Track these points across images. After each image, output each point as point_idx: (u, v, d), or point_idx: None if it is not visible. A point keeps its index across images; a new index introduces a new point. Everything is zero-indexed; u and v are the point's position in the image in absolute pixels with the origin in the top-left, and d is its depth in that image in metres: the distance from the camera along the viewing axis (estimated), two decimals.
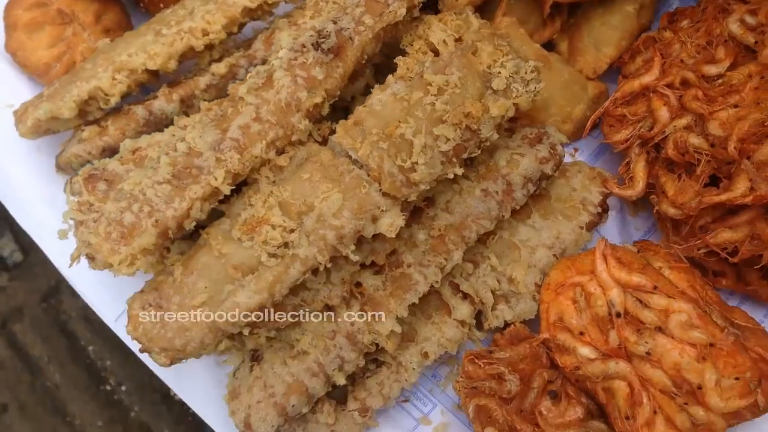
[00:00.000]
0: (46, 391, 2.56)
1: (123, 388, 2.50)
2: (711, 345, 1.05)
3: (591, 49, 1.37)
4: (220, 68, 1.26)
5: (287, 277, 1.01)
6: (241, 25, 1.29)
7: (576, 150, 1.39)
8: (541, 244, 1.21)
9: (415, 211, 1.17)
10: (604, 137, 1.29)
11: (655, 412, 1.07)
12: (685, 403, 1.05)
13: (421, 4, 1.15)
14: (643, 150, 1.24)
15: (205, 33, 1.24)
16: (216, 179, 1.00)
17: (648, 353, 1.08)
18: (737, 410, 1.04)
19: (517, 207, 1.19)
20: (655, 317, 1.08)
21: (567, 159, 1.38)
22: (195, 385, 1.22)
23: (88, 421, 2.52)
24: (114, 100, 1.23)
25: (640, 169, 1.23)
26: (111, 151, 1.23)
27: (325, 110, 1.09)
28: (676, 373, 1.06)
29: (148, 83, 1.27)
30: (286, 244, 1.01)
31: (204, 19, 1.24)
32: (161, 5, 1.43)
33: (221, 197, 1.03)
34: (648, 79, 1.25)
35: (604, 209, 1.25)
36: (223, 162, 1.01)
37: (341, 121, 1.05)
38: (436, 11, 1.33)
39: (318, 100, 1.05)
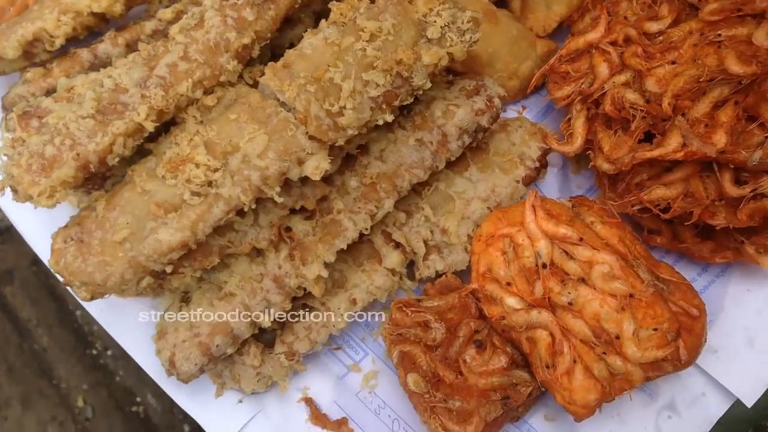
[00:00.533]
0: (34, 354, 2.59)
1: (109, 352, 2.53)
2: (631, 296, 1.06)
3: (542, 7, 1.36)
4: (166, 14, 1.26)
5: (210, 216, 1.02)
6: None
7: (524, 108, 1.39)
8: (477, 196, 1.21)
9: (349, 159, 1.18)
10: (549, 94, 1.29)
11: (575, 362, 1.08)
12: (604, 353, 1.06)
13: None
14: (584, 106, 1.24)
15: None
16: (139, 115, 1.00)
17: (570, 303, 1.08)
18: (655, 361, 1.05)
19: (452, 158, 1.19)
20: (579, 268, 1.09)
21: (514, 116, 1.38)
22: (129, 327, 1.24)
23: (73, 384, 2.55)
24: (59, 42, 1.23)
25: (579, 125, 1.23)
26: (54, 92, 1.24)
27: (256, 52, 1.09)
28: (596, 323, 1.06)
29: (96, 27, 1.28)
30: (209, 183, 1.02)
31: None
32: None
33: (146, 135, 1.04)
34: (593, 36, 1.25)
35: (543, 165, 1.25)
36: (147, 98, 1.01)
37: (270, 63, 1.06)
38: None
39: (247, 40, 1.06)
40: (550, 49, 1.35)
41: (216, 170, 1.02)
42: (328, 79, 1.04)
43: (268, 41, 1.11)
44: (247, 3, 1.07)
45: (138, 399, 2.43)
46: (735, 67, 1.09)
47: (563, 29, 1.37)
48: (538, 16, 1.36)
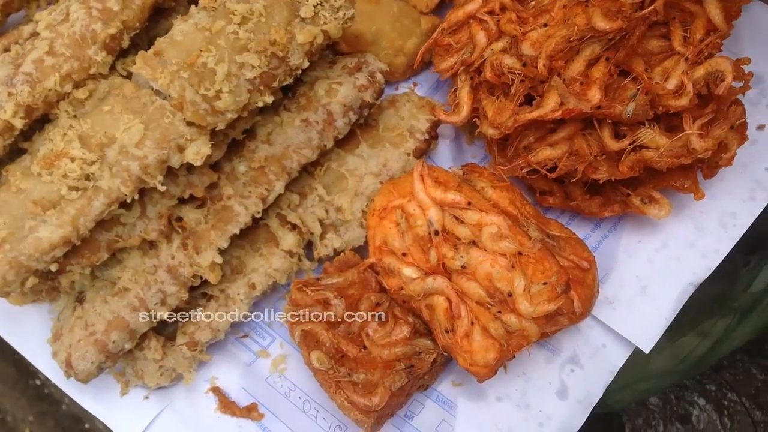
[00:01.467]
0: None
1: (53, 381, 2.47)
2: (519, 254, 1.07)
3: None
4: (42, 16, 1.23)
5: (91, 210, 1.01)
6: None
7: (415, 84, 1.40)
8: (369, 172, 1.22)
9: (236, 145, 1.18)
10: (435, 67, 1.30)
11: (472, 324, 1.09)
12: (499, 312, 1.07)
13: None
14: (467, 76, 1.26)
15: None
16: (5, 112, 0.99)
17: (464, 267, 1.09)
18: (549, 314, 1.07)
19: (340, 136, 1.20)
20: (470, 232, 1.10)
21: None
22: (28, 332, 1.21)
23: (19, 417, 2.48)
24: None
25: (464, 95, 1.25)
26: None
27: (126, 42, 1.09)
28: (489, 283, 1.08)
29: None
30: (87, 177, 1.00)
31: None
32: None
33: (17, 133, 1.02)
34: (471, 7, 1.27)
35: (433, 136, 1.27)
36: (14, 95, 1.00)
37: (140, 53, 1.05)
38: None
39: (113, 31, 1.05)
40: (434, 25, 1.37)
41: (92, 163, 1.01)
42: (201, 64, 1.04)
43: (137, 30, 1.10)
44: None
45: (86, 425, 2.37)
46: (602, 23, 1.11)
47: (447, 5, 1.39)
48: None
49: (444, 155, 1.33)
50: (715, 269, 1.20)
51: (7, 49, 1.24)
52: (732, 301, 1.45)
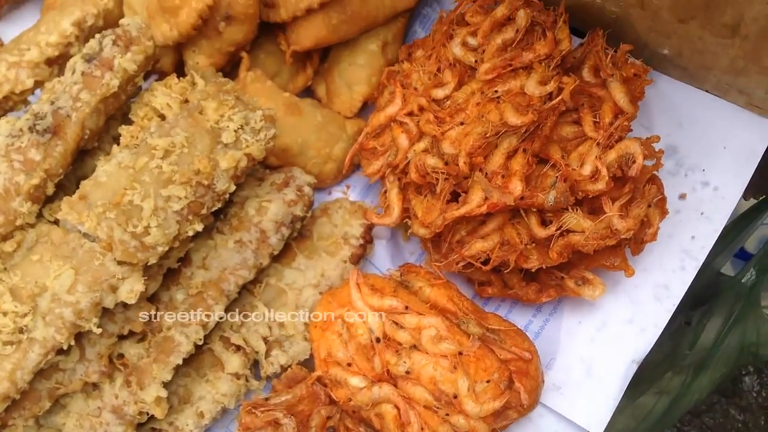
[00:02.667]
0: None
1: None
2: (460, 353, 1.08)
3: (345, 90, 1.42)
4: None
5: (27, 363, 1.01)
6: None
7: (348, 187, 1.43)
8: (308, 284, 1.23)
9: (172, 273, 1.18)
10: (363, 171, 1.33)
11: (422, 429, 1.09)
12: (447, 414, 1.08)
13: (138, 73, 1.17)
14: (395, 177, 1.29)
15: None
16: None
17: (408, 372, 1.10)
18: (496, 412, 1.08)
19: (275, 252, 1.21)
20: (409, 336, 1.12)
21: (340, 196, 1.42)
22: None
23: None
24: None
25: (393, 197, 1.28)
26: None
27: (50, 190, 1.10)
28: (434, 386, 1.09)
29: None
30: (20, 330, 1.00)
31: None
32: None
33: None
34: (392, 110, 1.31)
35: (368, 240, 1.29)
36: None
37: (65, 198, 1.06)
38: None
39: (36, 181, 1.06)
40: (360, 128, 1.40)
41: (25, 315, 1.01)
42: (127, 202, 1.05)
43: (61, 177, 1.11)
44: (32, 144, 1.07)
45: None
46: (514, 119, 1.16)
47: (369, 107, 1.43)
48: (343, 98, 1.42)
49: (382, 256, 1.35)
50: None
51: None
52: (681, 359, 1.47)
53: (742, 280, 1.39)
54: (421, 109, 1.28)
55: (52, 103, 1.11)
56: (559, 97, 1.18)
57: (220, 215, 1.23)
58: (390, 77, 1.37)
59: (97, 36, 1.18)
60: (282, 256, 1.25)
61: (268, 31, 1.39)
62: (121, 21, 1.19)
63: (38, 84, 1.30)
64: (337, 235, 1.27)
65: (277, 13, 1.34)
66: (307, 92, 1.47)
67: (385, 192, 1.30)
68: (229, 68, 1.39)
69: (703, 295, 1.46)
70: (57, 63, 1.31)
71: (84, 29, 1.32)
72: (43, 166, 1.07)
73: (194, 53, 1.32)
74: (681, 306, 1.26)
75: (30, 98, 1.30)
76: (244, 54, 1.34)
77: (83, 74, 1.14)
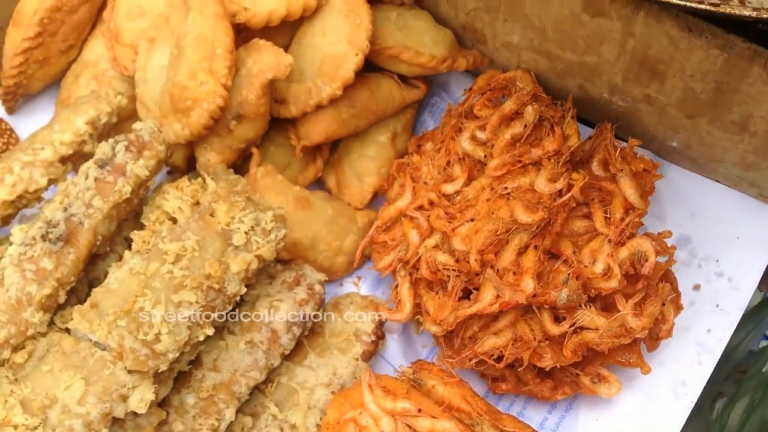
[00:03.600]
0: None
1: None
2: None
3: (355, 181, 1.43)
4: None
5: None
6: (7, 218, 1.30)
7: (359, 278, 1.43)
8: (319, 383, 1.22)
9: (184, 376, 1.18)
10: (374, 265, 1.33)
11: None
12: None
13: (150, 178, 1.19)
14: (406, 272, 1.28)
15: None
16: None
17: None
18: None
19: (286, 352, 1.21)
20: None
21: (352, 288, 1.42)
22: None
23: None
24: None
25: (405, 292, 1.27)
26: None
27: (62, 298, 1.10)
28: None
29: None
30: None
31: None
32: None
33: None
34: (402, 204, 1.31)
35: (380, 336, 1.28)
36: None
37: (77, 307, 1.06)
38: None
39: (48, 291, 1.07)
40: (370, 219, 1.41)
41: (35, 428, 1.00)
42: (138, 309, 1.06)
43: (73, 284, 1.12)
44: (44, 252, 1.08)
45: None
46: (524, 216, 1.16)
47: (379, 197, 1.43)
48: (353, 190, 1.43)
49: (394, 351, 1.34)
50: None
51: None
52: None
53: (763, 370, 1.36)
54: (431, 203, 1.28)
55: (65, 209, 1.13)
56: (569, 194, 1.18)
57: (230, 315, 1.22)
58: (400, 170, 1.38)
59: (110, 141, 1.19)
60: (293, 353, 1.24)
61: (278, 124, 1.41)
62: (134, 125, 1.21)
63: (51, 182, 1.32)
64: (348, 332, 1.26)
65: (287, 110, 1.36)
66: (318, 183, 1.48)
67: (397, 286, 1.30)
68: (240, 162, 1.40)
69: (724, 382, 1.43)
70: (71, 160, 1.33)
71: (98, 127, 1.34)
72: (56, 275, 1.08)
73: (205, 150, 1.34)
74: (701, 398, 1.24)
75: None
76: (254, 149, 1.36)
77: (96, 180, 1.15)
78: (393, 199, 1.35)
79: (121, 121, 1.40)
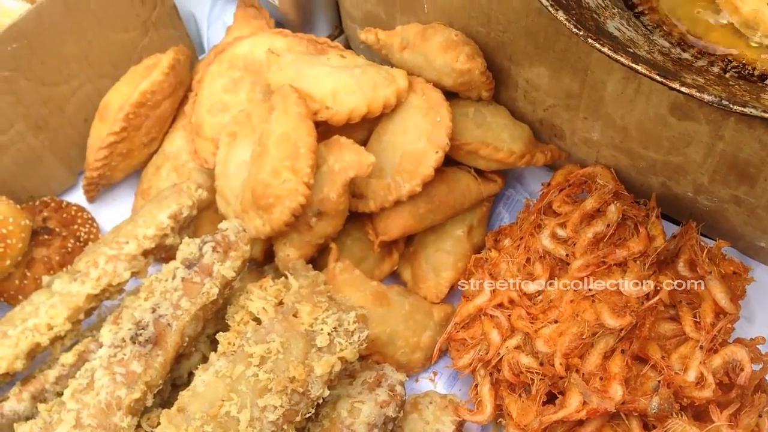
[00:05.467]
0: None
1: None
2: None
3: (431, 275, 1.43)
4: (68, 358, 1.28)
5: None
6: (89, 311, 1.33)
7: (435, 374, 1.41)
8: None
9: None
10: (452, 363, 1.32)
11: None
12: None
13: (236, 279, 1.20)
14: (487, 372, 1.26)
15: (50, 328, 1.27)
16: None
17: None
18: None
19: None
20: None
21: (427, 385, 1.40)
22: None
23: None
24: None
25: (485, 393, 1.25)
26: None
27: (149, 402, 1.11)
28: None
29: (3, 383, 1.29)
30: None
31: (48, 314, 1.28)
32: (20, 297, 1.47)
33: None
34: (481, 301, 1.30)
35: None
36: None
37: (164, 411, 1.06)
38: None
39: (137, 395, 1.07)
40: (446, 313, 1.39)
41: None
42: (224, 413, 1.05)
43: (160, 387, 1.12)
44: (134, 355, 1.09)
45: None
46: (611, 321, 1.13)
47: (456, 291, 1.43)
48: (430, 284, 1.42)
49: None
50: None
51: (34, 397, 1.27)
52: None
53: None
54: (512, 301, 1.27)
55: (153, 310, 1.14)
56: (657, 297, 1.16)
57: (311, 415, 1.21)
58: (477, 265, 1.38)
59: (197, 241, 1.21)
60: None
61: (354, 217, 1.42)
62: (220, 225, 1.23)
63: (134, 275, 1.35)
64: None
65: (366, 205, 1.38)
66: (392, 276, 1.48)
67: (476, 386, 1.28)
68: (317, 256, 1.41)
69: None
70: (152, 254, 1.36)
71: (179, 220, 1.37)
72: (144, 378, 1.09)
73: (285, 246, 1.35)
74: None
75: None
76: (333, 245, 1.37)
77: (183, 280, 1.17)
78: (471, 295, 1.34)
79: (199, 211, 1.43)
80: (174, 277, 1.18)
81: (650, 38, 1.10)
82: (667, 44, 1.10)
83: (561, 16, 0.98)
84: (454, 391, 1.38)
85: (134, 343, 1.10)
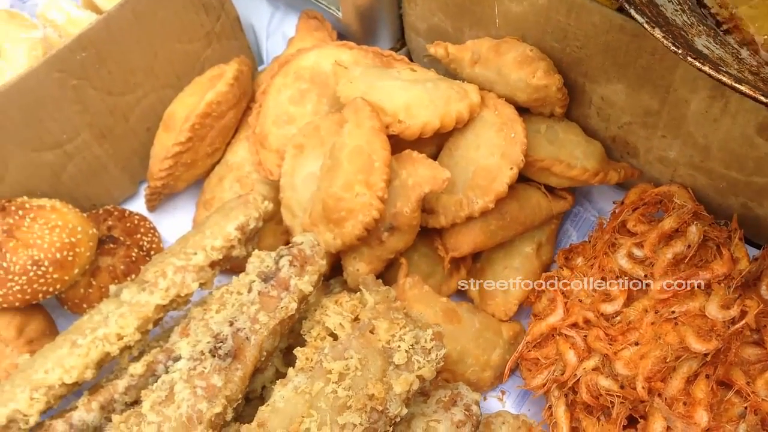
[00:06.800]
0: None
1: None
2: None
3: (500, 293, 1.41)
4: (137, 368, 1.27)
5: None
6: (157, 321, 1.32)
7: (504, 393, 1.39)
8: None
9: None
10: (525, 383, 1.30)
11: None
12: None
13: (312, 293, 1.19)
14: (562, 393, 1.24)
15: (120, 337, 1.26)
16: None
17: None
18: None
19: None
20: None
21: (495, 404, 1.38)
22: None
23: None
24: (33, 420, 1.22)
25: (561, 415, 1.23)
26: None
27: (229, 416, 1.10)
28: None
29: (69, 393, 1.28)
30: None
31: (117, 323, 1.27)
32: (84, 305, 1.47)
33: None
34: (553, 319, 1.28)
35: None
36: None
37: (245, 426, 1.05)
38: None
39: (218, 409, 1.06)
40: (515, 332, 1.38)
41: None
42: (304, 430, 1.04)
43: (239, 401, 1.11)
44: (214, 369, 1.08)
45: None
46: (697, 345, 1.11)
47: (524, 309, 1.41)
48: (498, 302, 1.40)
49: None
50: None
51: (102, 407, 1.27)
52: None
53: None
54: (586, 321, 1.24)
55: (231, 323, 1.13)
56: (743, 321, 1.13)
57: None
58: (549, 283, 1.36)
59: (273, 255, 1.21)
60: None
61: (423, 233, 1.40)
62: (295, 239, 1.23)
63: (201, 286, 1.34)
64: None
65: (436, 220, 1.36)
66: (459, 293, 1.46)
67: (550, 407, 1.26)
68: (385, 271, 1.39)
69: None
70: (219, 265, 1.35)
71: (246, 232, 1.36)
72: (225, 392, 1.08)
73: (355, 260, 1.34)
74: None
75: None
76: (403, 260, 1.35)
77: (260, 294, 1.16)
78: (543, 314, 1.32)
79: (265, 224, 1.43)
80: (250, 291, 1.17)
81: (739, 57, 1.08)
82: (755, 63, 1.08)
83: (658, 33, 0.97)
84: (524, 411, 1.36)
85: (214, 356, 1.09)
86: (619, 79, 1.28)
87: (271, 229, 1.53)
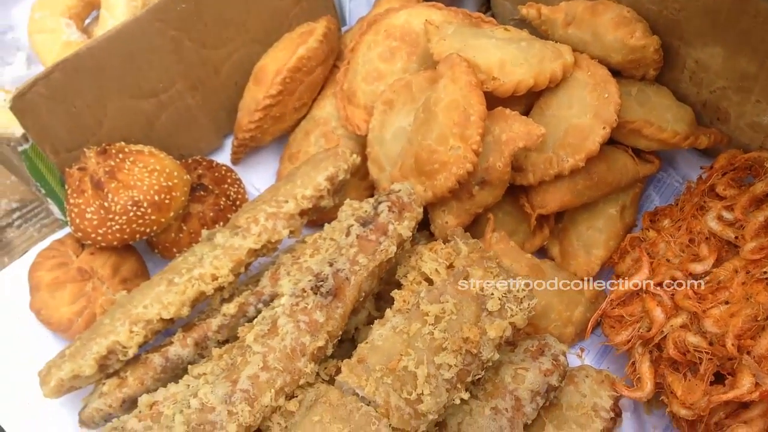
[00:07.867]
0: None
1: None
2: None
3: (582, 253, 1.43)
4: (230, 309, 1.32)
5: None
6: (248, 264, 1.37)
7: (582, 350, 1.41)
8: None
9: None
10: (606, 338, 1.32)
11: None
12: None
13: (410, 238, 1.22)
14: (646, 350, 1.26)
15: (214, 278, 1.31)
16: None
17: None
18: None
19: (529, 422, 1.20)
20: None
21: (574, 360, 1.40)
22: None
23: None
24: (132, 352, 1.28)
25: (645, 370, 1.25)
26: (131, 402, 1.27)
27: (329, 351, 1.14)
28: None
29: (165, 329, 1.34)
30: None
31: (212, 264, 1.32)
32: (174, 250, 1.52)
33: None
34: (639, 279, 1.30)
35: (617, 413, 1.25)
36: (235, 415, 1.04)
37: (345, 361, 1.09)
38: (430, 232, 1.42)
39: (321, 343, 1.10)
40: (596, 291, 1.39)
41: None
42: (402, 368, 1.07)
43: (339, 338, 1.15)
44: (317, 306, 1.12)
45: None
46: None
47: (604, 270, 1.42)
48: (580, 261, 1.42)
49: (626, 428, 1.31)
50: None
51: (197, 343, 1.32)
52: None
53: None
54: (674, 280, 1.26)
55: (331, 264, 1.17)
56: None
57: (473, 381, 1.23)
58: (633, 244, 1.37)
59: (371, 201, 1.24)
60: (531, 425, 1.23)
61: (508, 191, 1.43)
62: (393, 187, 1.26)
63: (291, 233, 1.38)
64: (586, 406, 1.24)
65: (525, 177, 1.38)
66: (540, 251, 1.49)
67: (633, 363, 1.27)
68: (471, 226, 1.42)
69: None
70: (307, 214, 1.39)
71: (335, 183, 1.40)
72: (326, 328, 1.12)
73: (443, 213, 1.37)
74: None
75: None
76: (490, 215, 1.38)
77: (358, 237, 1.19)
78: (627, 273, 1.34)
79: (353, 178, 1.46)
80: (348, 234, 1.20)
81: None
82: None
83: None
84: (603, 368, 1.38)
85: (315, 293, 1.13)
86: (717, 42, 1.28)
87: (353, 184, 1.57)
